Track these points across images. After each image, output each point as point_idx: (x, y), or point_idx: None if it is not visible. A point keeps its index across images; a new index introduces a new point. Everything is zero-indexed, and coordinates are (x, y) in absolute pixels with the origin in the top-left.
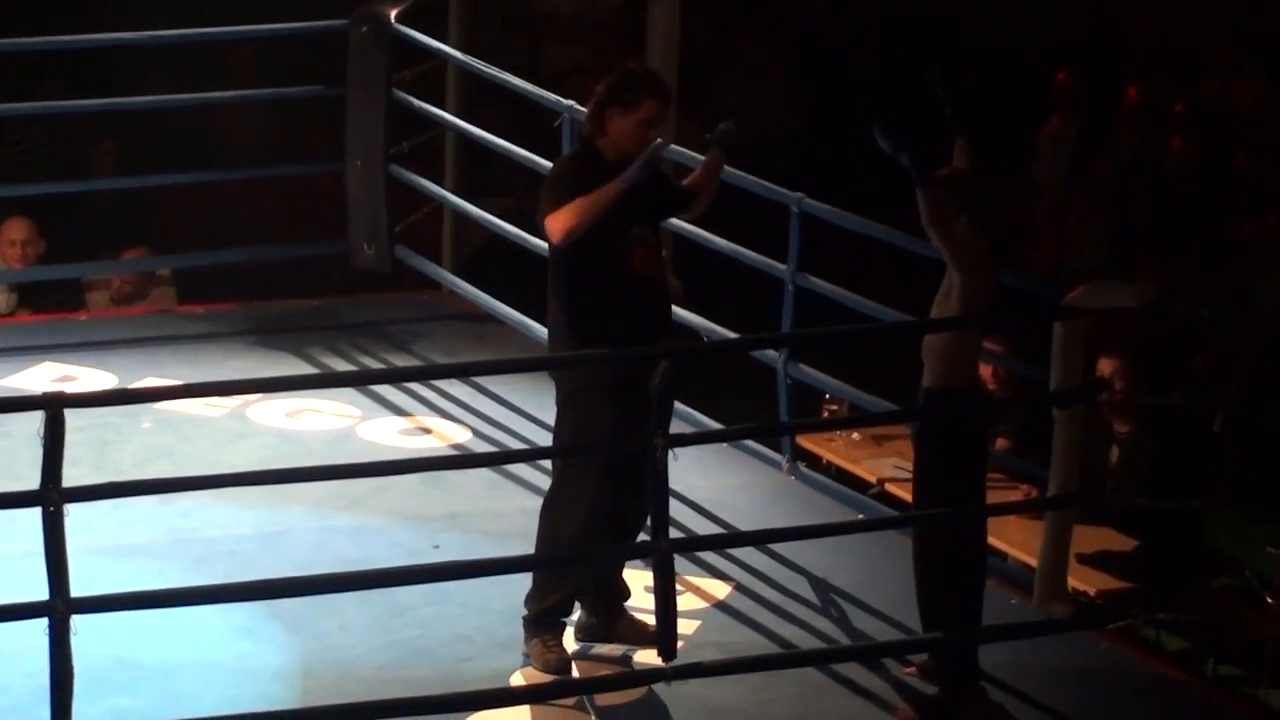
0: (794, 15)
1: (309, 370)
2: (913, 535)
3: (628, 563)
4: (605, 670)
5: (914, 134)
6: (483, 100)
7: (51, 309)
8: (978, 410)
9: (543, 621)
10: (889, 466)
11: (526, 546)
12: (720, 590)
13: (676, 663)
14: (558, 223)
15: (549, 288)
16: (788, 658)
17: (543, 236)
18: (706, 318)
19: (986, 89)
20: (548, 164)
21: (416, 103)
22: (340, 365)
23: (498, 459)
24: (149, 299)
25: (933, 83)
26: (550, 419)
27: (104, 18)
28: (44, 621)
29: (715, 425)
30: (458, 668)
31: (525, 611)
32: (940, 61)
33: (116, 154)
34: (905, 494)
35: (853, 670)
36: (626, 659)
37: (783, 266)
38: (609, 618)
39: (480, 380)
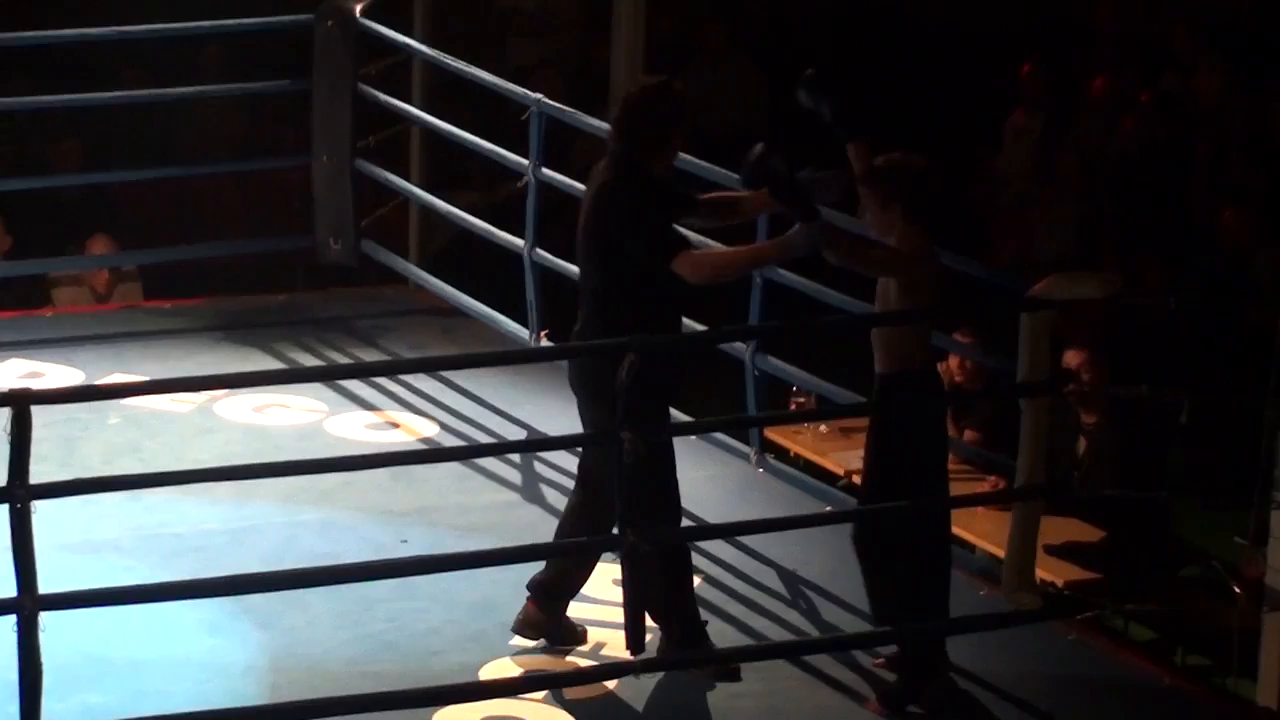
0: (756, 5)
1: (276, 365)
2: (854, 523)
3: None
4: (573, 664)
5: (835, 88)
6: (449, 94)
7: (17, 306)
8: (933, 394)
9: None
10: (856, 458)
11: (494, 540)
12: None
13: (645, 656)
14: (701, 271)
15: (599, 307)
16: (757, 650)
17: (597, 259)
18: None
19: (859, 91)
20: (515, 158)
21: (382, 97)
22: (307, 360)
23: (465, 453)
24: (115, 295)
25: (802, 93)
26: (517, 412)
27: (76, 13)
28: (12, 619)
29: (683, 418)
30: (427, 662)
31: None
32: (807, 70)
33: (81, 151)
34: None
35: (823, 662)
36: (595, 652)
37: None
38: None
39: (448, 375)
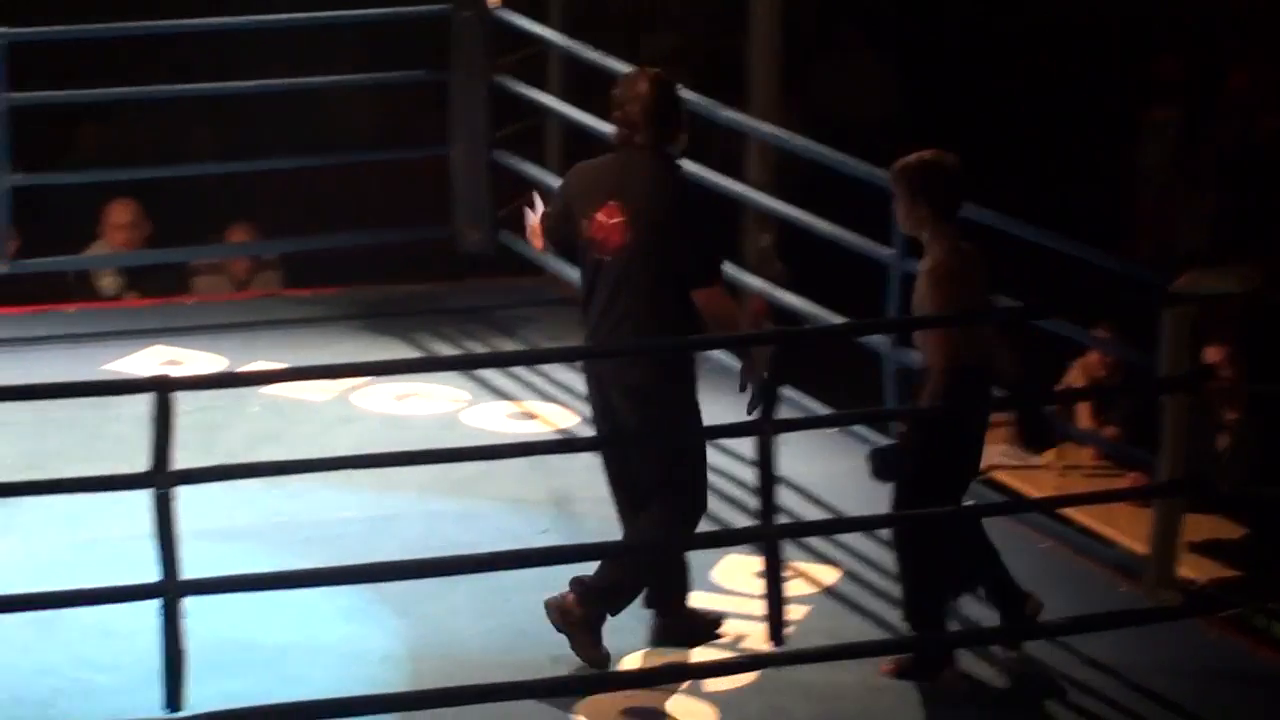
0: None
1: (415, 354)
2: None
3: (738, 548)
4: (715, 655)
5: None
6: (586, 84)
7: (159, 293)
8: (972, 392)
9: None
10: (995, 453)
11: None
12: (829, 576)
13: (785, 648)
14: (720, 304)
15: (655, 309)
16: (897, 643)
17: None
18: (812, 302)
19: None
20: None
21: (519, 87)
22: (446, 349)
23: (603, 443)
24: (255, 283)
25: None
26: None
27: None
28: (155, 603)
29: (822, 410)
30: (565, 652)
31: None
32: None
33: (215, 140)
34: (1012, 480)
35: (961, 655)
36: (736, 644)
37: (888, 251)
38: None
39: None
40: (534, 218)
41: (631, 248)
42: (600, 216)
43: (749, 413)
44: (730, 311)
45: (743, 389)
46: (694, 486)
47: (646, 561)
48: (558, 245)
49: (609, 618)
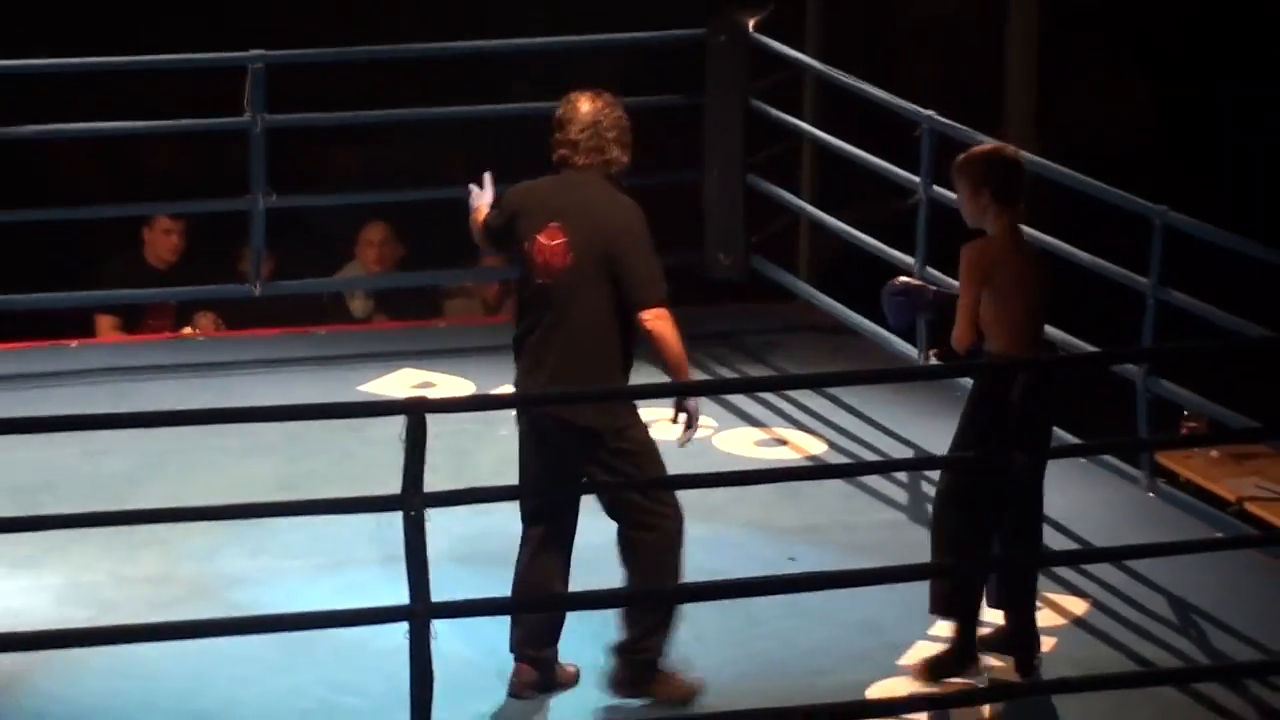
0: (1149, 20)
1: (665, 379)
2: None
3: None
4: (960, 686)
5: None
6: (841, 109)
7: (409, 315)
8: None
9: None
10: (1249, 485)
11: (881, 559)
12: (1078, 606)
13: (1032, 679)
14: (665, 326)
15: (603, 335)
16: (1146, 676)
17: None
18: (1066, 331)
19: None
20: (907, 175)
21: (773, 112)
22: (695, 375)
23: (853, 470)
24: (506, 307)
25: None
26: (905, 431)
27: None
28: (404, 626)
29: (1074, 440)
30: (813, 680)
31: None
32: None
33: (468, 163)
34: (1266, 513)
35: (1213, 690)
36: (984, 674)
37: (1144, 280)
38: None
39: (836, 392)
40: (479, 199)
41: (574, 270)
42: (542, 238)
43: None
44: (674, 334)
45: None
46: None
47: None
48: (495, 249)
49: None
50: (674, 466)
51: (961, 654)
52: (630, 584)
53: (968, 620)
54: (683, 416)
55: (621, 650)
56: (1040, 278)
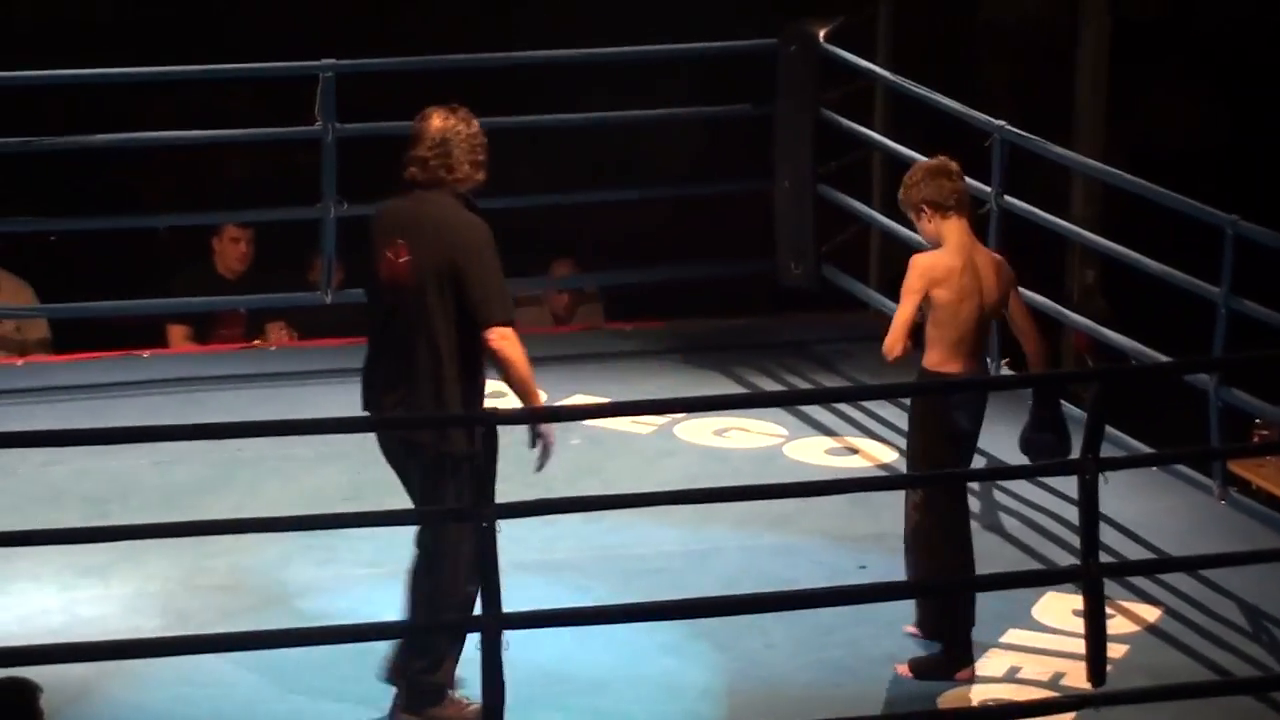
0: (1220, 27)
1: (736, 389)
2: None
3: (1059, 585)
4: (1033, 694)
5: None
6: (912, 119)
7: None
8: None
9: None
10: None
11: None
12: (1150, 614)
13: (1105, 688)
14: (511, 348)
15: (444, 358)
16: (1220, 685)
17: None
18: (1137, 340)
19: None
20: (978, 185)
21: (844, 122)
22: (767, 384)
23: (925, 480)
24: (577, 317)
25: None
26: (980, 440)
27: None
28: (475, 637)
29: (1145, 449)
30: (885, 688)
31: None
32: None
33: (537, 173)
34: None
35: None
36: (1055, 682)
37: (1215, 289)
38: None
39: (908, 402)
40: None
41: (417, 288)
42: (389, 255)
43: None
44: (519, 354)
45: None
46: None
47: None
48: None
49: None
50: (743, 476)
51: (952, 661)
52: (412, 610)
53: (957, 636)
54: (540, 442)
55: (408, 674)
56: (993, 292)
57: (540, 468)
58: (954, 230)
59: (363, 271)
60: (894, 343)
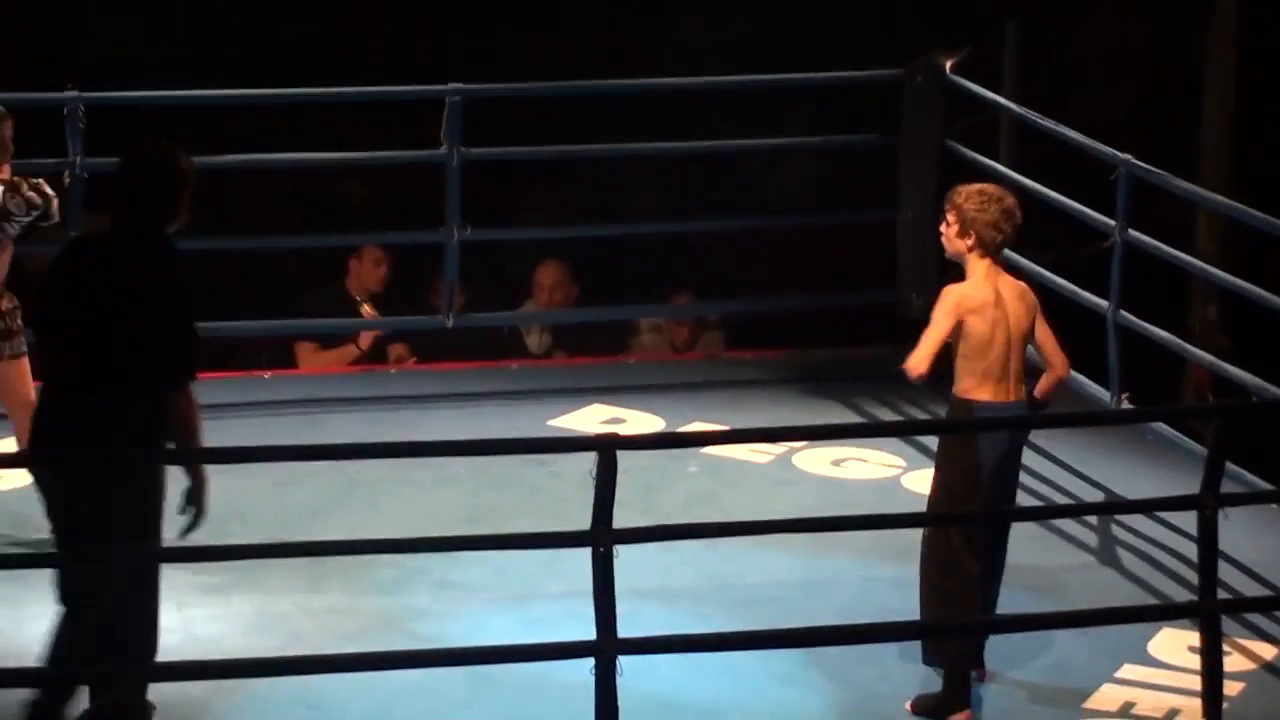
0: None
1: (855, 419)
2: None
3: (1176, 621)
4: None
5: None
6: (1037, 150)
7: (589, 352)
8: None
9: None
10: None
11: (1067, 603)
12: (1267, 652)
13: None
14: (188, 408)
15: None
16: None
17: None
18: (1259, 376)
19: None
20: (1101, 217)
21: (969, 153)
22: (886, 415)
23: (1042, 513)
24: (699, 345)
25: None
26: (1095, 474)
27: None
28: (590, 661)
29: (1267, 486)
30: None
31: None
32: None
33: (659, 202)
34: None
35: None
36: (1171, 719)
37: None
38: None
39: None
40: None
41: (106, 336)
42: (80, 301)
43: None
44: (195, 417)
45: None
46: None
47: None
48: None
49: None
50: (862, 506)
51: (951, 699)
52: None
53: (958, 668)
54: (191, 509)
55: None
56: (1021, 320)
57: (190, 529)
58: (983, 264)
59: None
60: (920, 361)
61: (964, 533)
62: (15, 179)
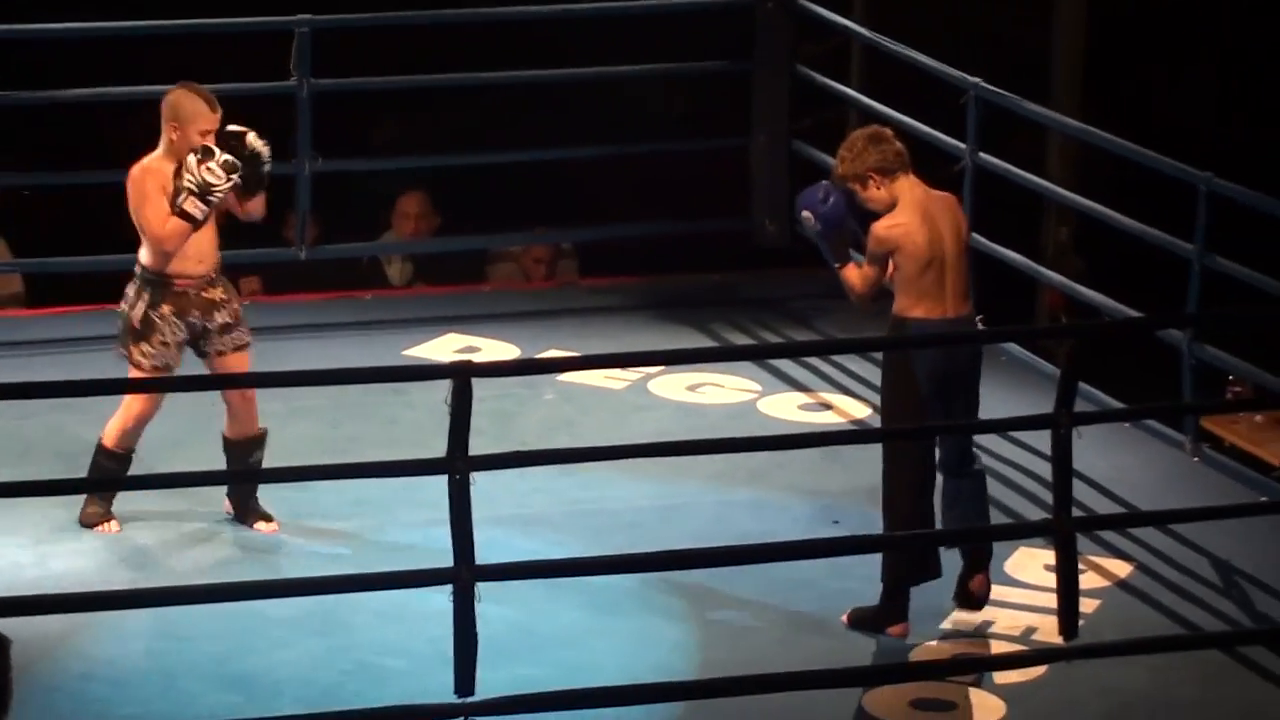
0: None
1: (710, 344)
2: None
3: (1031, 540)
4: (1005, 648)
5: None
6: (888, 75)
7: (450, 282)
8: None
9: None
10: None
11: None
12: (1121, 570)
13: (1077, 642)
14: None
15: None
16: (1190, 639)
17: None
18: (1110, 297)
19: None
20: (953, 142)
21: (820, 78)
22: (741, 339)
23: (897, 434)
24: (555, 273)
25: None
26: None
27: None
28: (448, 589)
29: (1118, 405)
30: (856, 641)
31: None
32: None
33: (517, 131)
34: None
35: (1257, 654)
36: (1027, 637)
37: (1189, 246)
38: None
39: (880, 356)
40: None
41: None
42: None
43: None
44: None
45: None
46: None
47: None
48: None
49: None
50: (717, 430)
51: (887, 611)
52: None
53: (896, 591)
54: None
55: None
56: (953, 233)
57: None
58: (904, 188)
59: None
60: (858, 297)
61: (918, 446)
62: (207, 145)
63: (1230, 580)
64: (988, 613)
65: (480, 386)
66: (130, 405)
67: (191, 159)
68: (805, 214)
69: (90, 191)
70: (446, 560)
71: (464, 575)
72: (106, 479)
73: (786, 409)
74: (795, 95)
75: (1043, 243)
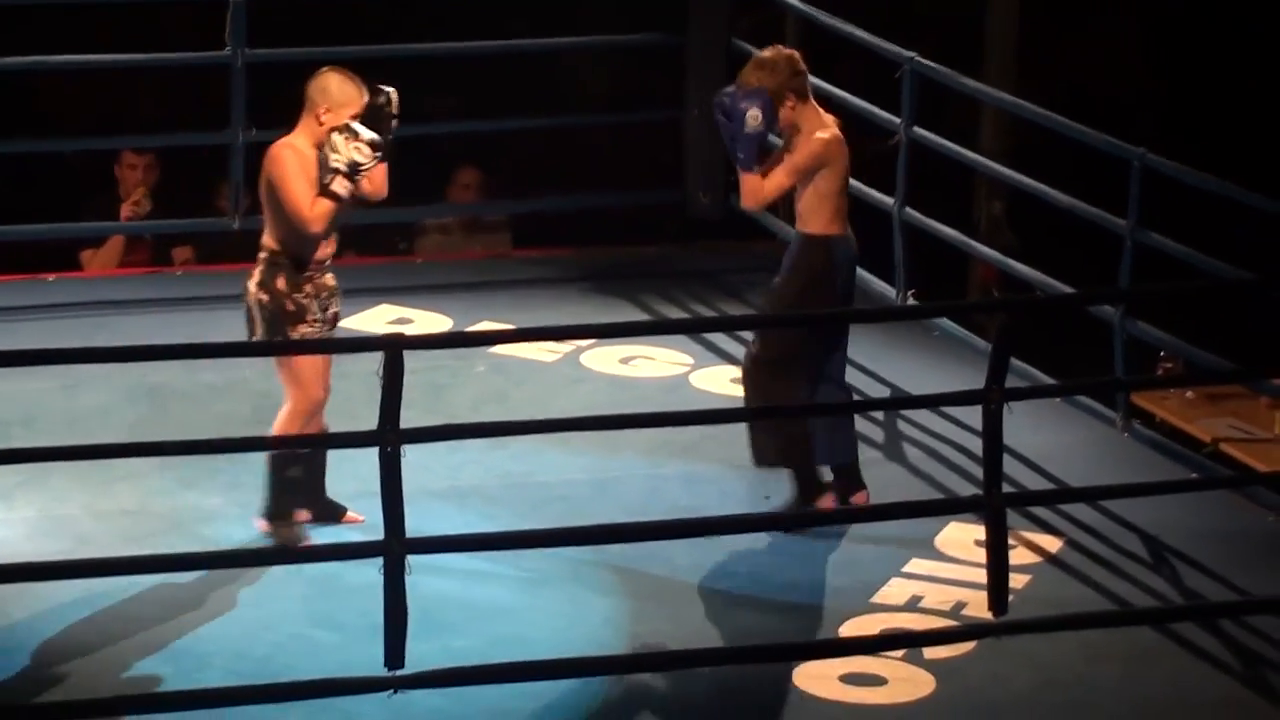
0: None
1: (643, 317)
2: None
3: (961, 516)
4: (935, 623)
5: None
6: (823, 48)
7: (380, 253)
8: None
9: None
10: (1224, 426)
11: None
12: (1051, 545)
13: (1006, 617)
14: None
15: None
16: (1120, 615)
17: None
18: (1043, 272)
19: None
20: (887, 115)
21: (756, 51)
22: (674, 313)
23: (829, 409)
24: (484, 244)
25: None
26: (882, 370)
27: None
28: (379, 561)
29: (1049, 380)
30: (786, 616)
31: None
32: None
33: (449, 101)
34: (1241, 454)
35: (1186, 630)
36: (957, 612)
37: (1122, 222)
38: None
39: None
40: None
41: None
42: None
43: None
44: None
45: None
46: None
47: None
48: None
49: None
50: (649, 404)
51: (807, 494)
52: None
53: (806, 465)
54: None
55: None
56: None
57: None
58: (814, 111)
59: None
60: (760, 202)
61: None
62: (349, 124)
63: (1160, 557)
64: (918, 587)
65: (412, 359)
66: (302, 393)
67: (338, 138)
68: (753, 113)
69: (24, 162)
70: (377, 533)
71: (394, 548)
72: (35, 450)
73: (719, 382)
74: (731, 68)
75: (975, 217)
